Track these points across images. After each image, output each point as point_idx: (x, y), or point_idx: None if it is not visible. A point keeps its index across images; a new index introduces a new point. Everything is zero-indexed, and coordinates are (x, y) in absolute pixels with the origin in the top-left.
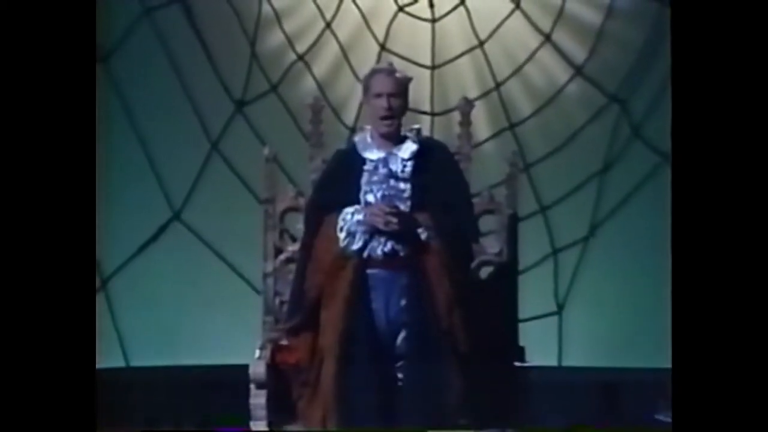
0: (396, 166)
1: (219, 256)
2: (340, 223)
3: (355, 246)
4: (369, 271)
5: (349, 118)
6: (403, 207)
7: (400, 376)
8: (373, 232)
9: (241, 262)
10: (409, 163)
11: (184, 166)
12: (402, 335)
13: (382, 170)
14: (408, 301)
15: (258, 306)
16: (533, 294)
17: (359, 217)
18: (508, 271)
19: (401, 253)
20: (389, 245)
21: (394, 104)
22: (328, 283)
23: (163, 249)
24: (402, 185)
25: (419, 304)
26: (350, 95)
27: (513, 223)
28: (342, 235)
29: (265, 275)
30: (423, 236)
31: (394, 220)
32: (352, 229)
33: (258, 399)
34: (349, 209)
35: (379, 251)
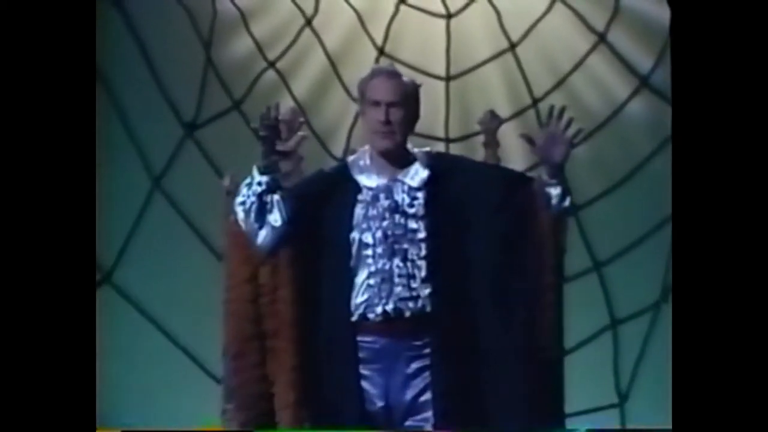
0: (401, 197)
1: (164, 331)
2: (240, 215)
3: (269, 234)
4: (362, 339)
5: (338, 144)
6: (416, 252)
7: None
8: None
9: (193, 336)
10: (420, 194)
11: (117, 210)
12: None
13: (384, 201)
14: (424, 380)
15: (216, 392)
16: (586, 379)
17: (260, 182)
18: (551, 348)
19: (408, 311)
20: (392, 301)
21: (395, 116)
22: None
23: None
24: (413, 223)
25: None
26: (339, 115)
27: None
28: (248, 226)
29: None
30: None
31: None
32: (253, 201)
33: None
34: (244, 187)
35: (378, 309)
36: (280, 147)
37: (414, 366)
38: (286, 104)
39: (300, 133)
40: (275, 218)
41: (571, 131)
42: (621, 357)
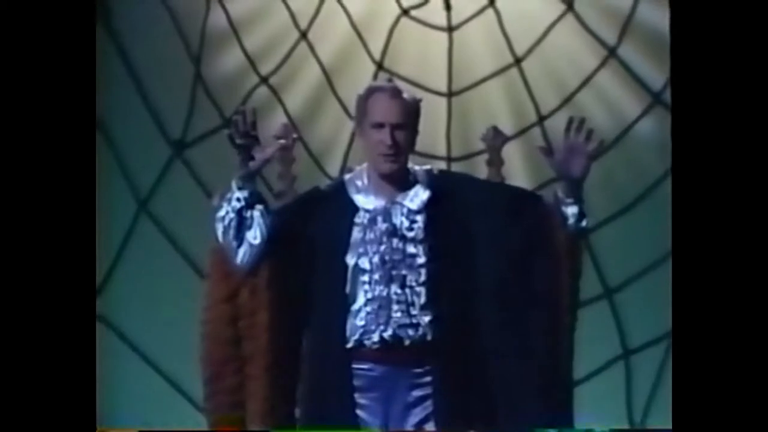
0: (400, 220)
1: (148, 360)
2: (219, 231)
3: (248, 252)
4: (358, 366)
5: (334, 164)
6: (414, 278)
7: None
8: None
9: (180, 364)
10: (419, 217)
11: (101, 232)
12: None
13: (382, 225)
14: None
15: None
16: (598, 411)
17: (239, 197)
18: (560, 379)
19: (408, 339)
20: (391, 328)
21: (400, 138)
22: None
23: None
24: (411, 248)
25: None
26: (335, 133)
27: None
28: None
29: None
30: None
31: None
32: (232, 217)
33: None
34: (224, 201)
35: (375, 336)
36: (258, 155)
37: (415, 394)
38: (279, 121)
39: (280, 141)
40: (254, 235)
41: (591, 144)
42: (634, 389)
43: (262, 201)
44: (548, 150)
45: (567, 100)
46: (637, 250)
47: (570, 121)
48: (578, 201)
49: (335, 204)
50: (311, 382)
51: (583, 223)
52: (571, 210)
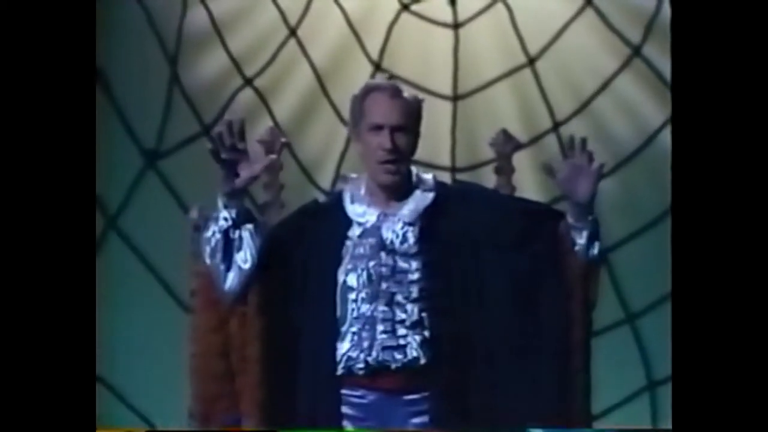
0: (391, 231)
1: (121, 399)
2: (206, 253)
3: (237, 277)
4: (349, 393)
5: (326, 174)
6: (404, 295)
7: None
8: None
9: (158, 398)
10: (413, 229)
11: None
12: None
13: (371, 238)
14: None
15: None
16: None
17: (225, 216)
18: (574, 414)
19: (395, 363)
20: (376, 351)
21: (401, 141)
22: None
23: None
24: (402, 262)
25: None
26: (328, 141)
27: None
28: (211, 259)
29: None
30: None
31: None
32: (218, 239)
33: None
34: (211, 220)
35: (361, 362)
36: (244, 170)
37: (413, 422)
38: (265, 127)
39: (270, 156)
40: (244, 258)
41: (596, 164)
42: (661, 424)
43: (251, 220)
44: (550, 168)
45: (584, 105)
46: (661, 272)
47: (571, 140)
48: (587, 226)
49: (331, 220)
50: (303, 412)
51: (595, 251)
52: (580, 236)
